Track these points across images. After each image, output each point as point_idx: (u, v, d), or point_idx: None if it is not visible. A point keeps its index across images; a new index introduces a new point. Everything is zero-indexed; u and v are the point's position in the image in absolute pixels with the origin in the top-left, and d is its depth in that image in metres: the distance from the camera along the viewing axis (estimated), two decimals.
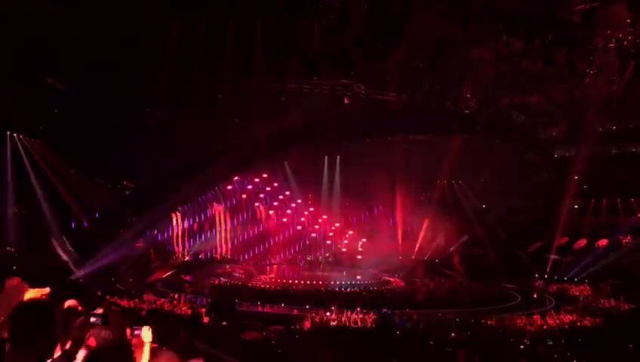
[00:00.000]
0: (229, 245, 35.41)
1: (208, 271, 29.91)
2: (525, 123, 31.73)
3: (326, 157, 35.92)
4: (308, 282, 27.10)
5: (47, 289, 4.14)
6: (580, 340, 13.16)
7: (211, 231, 34.58)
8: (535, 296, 26.13)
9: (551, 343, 12.66)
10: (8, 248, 18.84)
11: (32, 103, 20.31)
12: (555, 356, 11.48)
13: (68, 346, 3.77)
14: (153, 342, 4.14)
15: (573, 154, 31.13)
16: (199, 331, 12.48)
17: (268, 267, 34.92)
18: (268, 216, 37.64)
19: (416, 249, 34.89)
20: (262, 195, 37.51)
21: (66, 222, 23.09)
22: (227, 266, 32.36)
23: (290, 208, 38.15)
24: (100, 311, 3.92)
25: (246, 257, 35.71)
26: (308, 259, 35.44)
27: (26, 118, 20.99)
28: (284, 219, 38.08)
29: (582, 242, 30.70)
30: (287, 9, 18.21)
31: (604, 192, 31.77)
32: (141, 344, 4.08)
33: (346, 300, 20.78)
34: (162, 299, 19.07)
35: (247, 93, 24.90)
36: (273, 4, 18.39)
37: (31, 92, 19.72)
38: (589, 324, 16.36)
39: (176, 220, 32.10)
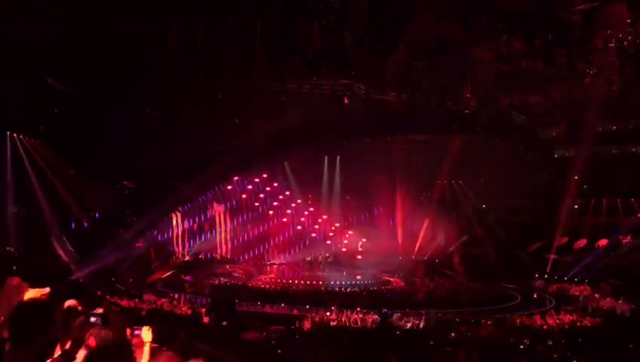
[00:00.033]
0: (229, 245, 35.43)
1: (208, 271, 29.91)
2: (525, 123, 31.72)
3: (326, 158, 35.93)
4: (308, 282, 27.11)
5: (47, 289, 4.13)
6: (579, 340, 13.15)
7: (211, 232, 34.59)
8: (535, 296, 26.15)
9: (551, 343, 12.65)
10: (8, 248, 18.86)
11: (32, 103, 20.30)
12: (555, 356, 11.46)
13: (68, 346, 3.77)
14: (153, 342, 4.15)
15: (573, 154, 31.12)
16: (199, 331, 12.50)
17: (268, 267, 34.93)
18: (268, 216, 37.64)
19: (416, 249, 34.88)
20: (262, 195, 37.52)
21: (66, 222, 23.10)
22: (227, 266, 32.36)
23: (290, 208, 38.16)
24: (100, 311, 3.92)
25: (246, 257, 35.72)
26: (307, 259, 35.42)
27: (26, 118, 21.00)
28: (284, 219, 38.09)
29: (582, 242, 30.70)
30: (287, 9, 18.22)
31: (604, 192, 31.76)
32: (141, 344, 4.09)
33: (346, 300, 20.78)
34: (162, 299, 19.09)
35: (247, 93, 24.90)
36: (273, 4, 18.39)
37: (31, 92, 19.72)
38: (589, 324, 16.37)
39: (176, 220, 32.11)
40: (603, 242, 30.06)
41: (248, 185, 36.59)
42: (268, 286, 25.87)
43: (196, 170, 25.74)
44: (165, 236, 31.38)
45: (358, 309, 17.25)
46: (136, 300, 17.90)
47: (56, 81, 20.17)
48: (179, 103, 23.35)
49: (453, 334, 14.48)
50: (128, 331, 4.13)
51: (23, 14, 16.49)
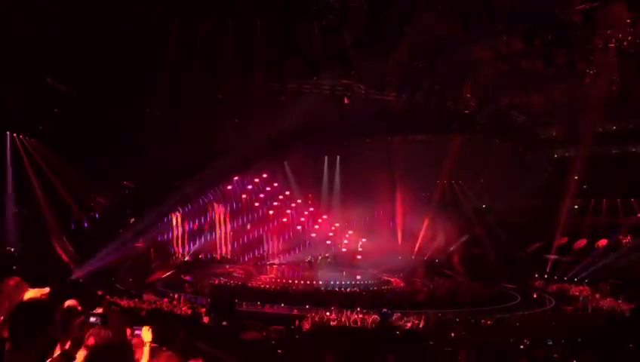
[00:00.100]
0: (229, 246, 35.41)
1: (208, 271, 29.89)
2: (525, 123, 31.73)
3: (326, 158, 35.91)
4: (308, 282, 27.10)
5: (47, 289, 4.13)
6: (579, 340, 13.15)
7: (211, 232, 34.58)
8: (535, 296, 26.12)
9: (551, 343, 12.65)
10: (8, 248, 18.87)
11: (32, 103, 20.31)
12: (555, 356, 11.47)
13: (68, 346, 3.77)
14: (153, 342, 4.15)
15: (573, 154, 31.13)
16: (199, 331, 12.50)
17: (268, 267, 34.90)
18: (268, 216, 37.64)
19: (416, 249, 34.84)
20: (262, 195, 37.51)
21: (66, 222, 23.10)
22: (227, 266, 32.34)
23: (290, 208, 38.15)
24: (99, 311, 3.92)
25: (246, 258, 35.70)
26: (307, 259, 35.39)
27: (26, 118, 21.00)
28: (284, 219, 38.08)
29: (582, 242, 30.66)
30: (287, 9, 18.24)
31: (604, 192, 31.74)
32: (141, 344, 4.09)
33: (345, 300, 20.74)
34: (162, 299, 19.07)
35: (247, 93, 24.92)
36: (273, 4, 18.41)
37: (31, 92, 19.72)
38: (588, 324, 16.36)
39: (176, 220, 32.10)
40: (603, 242, 30.04)
41: (248, 185, 36.58)
42: (268, 286, 25.84)
43: (196, 170, 25.74)
44: (165, 236, 31.36)
45: (358, 309, 17.21)
46: (136, 300, 17.87)
47: (56, 81, 20.17)
48: (179, 103, 23.35)
49: (453, 334, 14.47)
50: (128, 331, 4.14)
51: (23, 14, 16.50)
